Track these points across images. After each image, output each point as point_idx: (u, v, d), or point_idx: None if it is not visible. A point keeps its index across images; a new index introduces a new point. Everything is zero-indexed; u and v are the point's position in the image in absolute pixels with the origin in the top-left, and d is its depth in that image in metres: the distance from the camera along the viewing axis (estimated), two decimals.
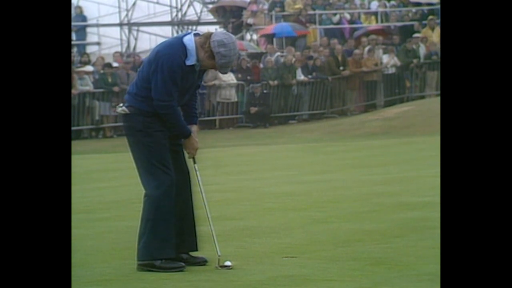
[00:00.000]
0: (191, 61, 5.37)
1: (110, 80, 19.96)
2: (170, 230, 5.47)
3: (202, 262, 5.60)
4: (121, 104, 5.58)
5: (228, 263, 5.46)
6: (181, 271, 5.44)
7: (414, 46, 22.33)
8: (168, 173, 5.47)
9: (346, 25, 24.20)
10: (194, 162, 5.65)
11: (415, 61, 22.12)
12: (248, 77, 21.23)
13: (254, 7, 24.82)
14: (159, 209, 5.46)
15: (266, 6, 24.48)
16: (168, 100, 5.40)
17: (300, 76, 21.43)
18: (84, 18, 26.26)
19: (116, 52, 22.57)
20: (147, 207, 5.52)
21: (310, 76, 21.50)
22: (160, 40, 30.04)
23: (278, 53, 22.25)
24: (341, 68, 21.75)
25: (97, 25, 28.46)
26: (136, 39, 29.66)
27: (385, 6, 24.87)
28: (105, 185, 11.17)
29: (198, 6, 30.37)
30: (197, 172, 5.63)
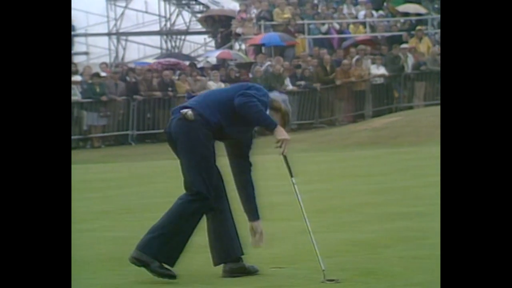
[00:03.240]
0: None
1: (98, 90, 19.94)
2: (183, 244, 5.45)
3: (254, 271, 5.62)
4: (186, 110, 5.45)
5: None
6: (173, 278, 5.39)
7: (402, 56, 22.40)
8: (208, 196, 5.48)
9: (335, 35, 24.26)
10: (291, 176, 5.57)
11: (403, 71, 22.20)
12: None
13: (244, 15, 24.87)
14: (186, 219, 5.43)
15: (254, 15, 24.53)
16: (250, 95, 5.44)
17: (289, 86, 21.47)
18: (72, 28, 26.25)
19: (102, 63, 22.56)
20: (178, 209, 5.47)
21: (298, 85, 21.52)
22: (149, 50, 29.97)
23: (268, 63, 22.30)
24: (330, 77, 21.80)
25: (85, 35, 28.46)
26: (124, 48, 29.65)
27: (372, 15, 24.94)
28: (92, 195, 11.15)
29: (186, 15, 30.43)
30: (295, 186, 5.55)
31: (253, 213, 5.76)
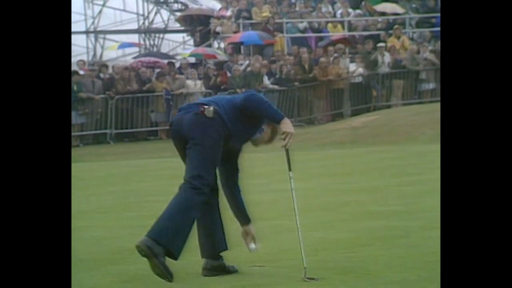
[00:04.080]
0: None
1: (75, 88, 19.85)
2: (189, 235, 5.32)
3: (233, 270, 5.64)
4: (207, 106, 5.42)
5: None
6: (169, 281, 5.25)
7: (379, 55, 22.48)
8: (215, 189, 5.55)
9: (311, 34, 24.30)
10: (290, 169, 5.55)
11: (380, 70, 22.28)
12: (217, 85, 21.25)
13: (223, 13, 24.86)
14: (196, 209, 5.36)
15: (232, 13, 24.52)
16: (256, 93, 5.59)
17: (267, 82, 21.49)
18: None
19: (80, 60, 22.46)
20: (187, 198, 5.33)
21: (274, 82, 21.53)
22: (127, 48, 29.70)
23: (247, 62, 22.30)
24: (309, 77, 21.85)
25: None
26: (102, 47, 29.54)
27: (348, 14, 25.01)
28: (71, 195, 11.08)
29: (165, 14, 30.36)
30: (292, 180, 5.54)
31: (244, 217, 5.81)
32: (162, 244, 5.20)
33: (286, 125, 5.48)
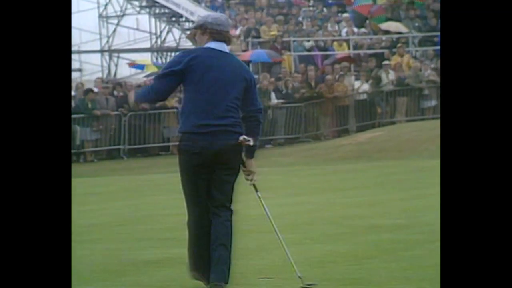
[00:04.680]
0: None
1: (90, 105, 19.93)
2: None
3: None
4: (243, 136, 5.31)
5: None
6: None
7: (384, 73, 22.51)
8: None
9: (318, 52, 24.36)
10: (256, 190, 5.55)
11: (385, 87, 22.31)
12: None
13: (233, 31, 24.94)
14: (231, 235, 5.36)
15: (238, 32, 24.60)
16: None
17: (274, 100, 21.53)
18: None
19: (98, 78, 22.57)
20: (230, 228, 5.33)
21: (282, 100, 21.56)
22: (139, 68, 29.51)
23: (256, 76, 22.38)
24: (315, 94, 21.89)
25: (79, 52, 28.43)
26: (116, 65, 29.64)
27: (353, 33, 25.06)
28: (85, 208, 11.12)
29: (177, 32, 30.46)
30: (262, 200, 5.53)
31: None
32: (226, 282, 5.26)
33: (252, 163, 5.44)
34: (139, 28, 30.72)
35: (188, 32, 28.91)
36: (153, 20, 30.12)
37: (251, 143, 5.29)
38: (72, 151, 19.84)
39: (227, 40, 5.49)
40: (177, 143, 5.59)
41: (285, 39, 24.29)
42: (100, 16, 29.69)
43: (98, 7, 29.54)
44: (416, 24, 25.27)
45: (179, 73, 5.32)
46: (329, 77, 22.21)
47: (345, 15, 26.37)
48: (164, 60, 30.06)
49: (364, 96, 22.37)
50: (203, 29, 5.50)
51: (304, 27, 25.47)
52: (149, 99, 5.75)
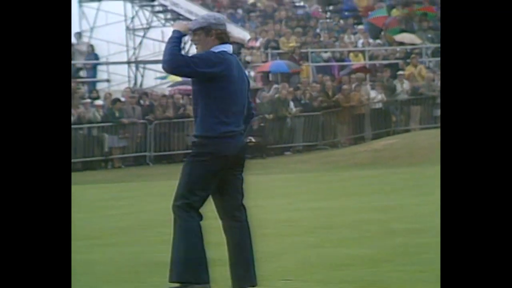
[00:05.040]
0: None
1: (117, 114, 20.05)
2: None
3: None
4: (250, 138, 5.38)
5: None
6: None
7: (398, 83, 22.45)
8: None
9: (335, 63, 24.36)
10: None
11: (399, 96, 22.24)
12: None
13: (253, 43, 24.97)
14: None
15: (258, 43, 24.63)
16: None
17: (292, 109, 21.52)
18: (96, 56, 26.36)
19: (127, 88, 22.70)
20: (249, 230, 5.27)
21: (300, 108, 21.54)
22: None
23: (275, 85, 22.36)
24: (332, 103, 21.88)
25: (107, 63, 28.55)
26: (142, 75, 29.74)
27: (369, 44, 25.03)
28: (113, 212, 11.15)
29: None
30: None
31: None
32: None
33: None
34: (164, 40, 30.80)
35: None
36: None
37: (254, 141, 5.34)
38: (101, 157, 19.94)
39: (230, 41, 5.30)
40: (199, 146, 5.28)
41: (303, 50, 24.29)
42: (127, 28, 29.81)
43: (126, 20, 29.65)
44: (429, 36, 25.19)
45: (211, 74, 5.18)
46: (345, 86, 22.19)
47: (361, 27, 26.33)
48: None
49: (380, 105, 22.33)
50: (207, 30, 5.27)
51: (322, 38, 25.46)
52: (181, 71, 5.53)
